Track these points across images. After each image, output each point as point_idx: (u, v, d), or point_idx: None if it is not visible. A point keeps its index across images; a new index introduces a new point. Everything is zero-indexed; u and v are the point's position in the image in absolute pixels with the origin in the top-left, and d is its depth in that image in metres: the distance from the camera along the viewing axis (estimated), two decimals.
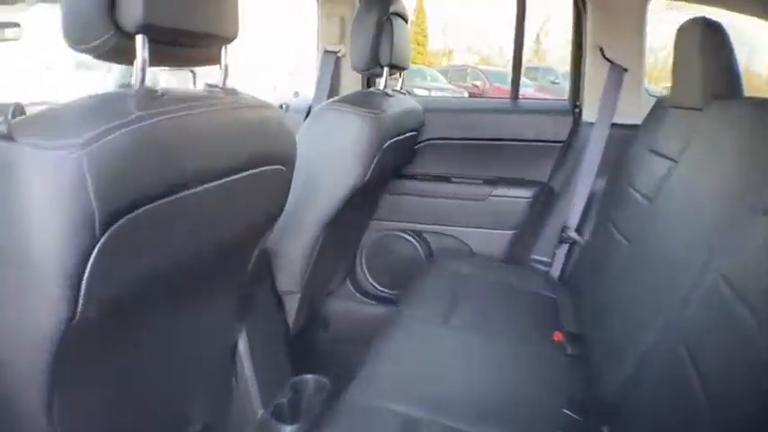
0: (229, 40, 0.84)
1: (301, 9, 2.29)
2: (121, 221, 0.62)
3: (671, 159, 1.33)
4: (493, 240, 1.95)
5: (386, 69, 1.58)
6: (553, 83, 9.16)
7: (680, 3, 1.71)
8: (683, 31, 1.39)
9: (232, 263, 0.96)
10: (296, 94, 2.41)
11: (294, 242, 1.40)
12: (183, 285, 0.81)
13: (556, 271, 1.83)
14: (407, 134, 1.68)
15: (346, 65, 2.09)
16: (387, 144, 1.46)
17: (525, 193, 1.93)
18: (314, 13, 2.12)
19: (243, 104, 0.87)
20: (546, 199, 1.93)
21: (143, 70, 0.70)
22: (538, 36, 11.12)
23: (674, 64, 1.44)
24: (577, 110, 1.95)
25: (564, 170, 1.92)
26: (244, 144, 0.84)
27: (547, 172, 1.96)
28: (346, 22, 2.03)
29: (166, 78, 1.57)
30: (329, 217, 1.40)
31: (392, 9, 1.54)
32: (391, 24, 1.54)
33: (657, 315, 1.03)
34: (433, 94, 7.48)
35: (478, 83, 9.25)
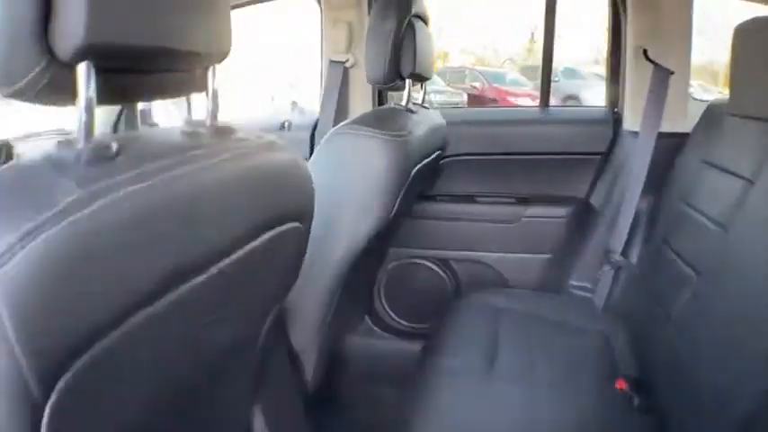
0: (219, 58, 0.61)
1: (301, 11, 2.09)
2: (71, 372, 0.41)
3: (744, 178, 1.16)
4: (526, 266, 1.76)
5: (408, 81, 1.36)
6: (552, 81, 9.01)
7: None
8: (743, 31, 1.23)
9: (241, 345, 0.76)
10: (294, 104, 2.22)
11: (309, 295, 1.18)
12: (178, 401, 0.61)
13: (600, 299, 1.63)
14: (434, 155, 1.48)
15: (354, 76, 1.88)
16: (414, 171, 1.26)
17: (561, 212, 1.74)
18: (315, 16, 1.91)
19: (242, 150, 0.62)
20: (584, 218, 1.74)
21: (89, 113, 0.47)
22: (533, 35, 10.97)
23: (733, 68, 1.27)
24: (616, 117, 1.77)
25: (604, 185, 1.74)
26: (247, 207, 0.62)
27: (584, 187, 1.77)
28: (354, 29, 1.84)
29: (162, 104, 1.34)
30: (349, 264, 1.18)
31: (414, 11, 1.33)
32: (413, 29, 1.33)
33: (760, 371, 0.87)
34: (432, 96, 7.30)
35: (477, 84, 9.10)
